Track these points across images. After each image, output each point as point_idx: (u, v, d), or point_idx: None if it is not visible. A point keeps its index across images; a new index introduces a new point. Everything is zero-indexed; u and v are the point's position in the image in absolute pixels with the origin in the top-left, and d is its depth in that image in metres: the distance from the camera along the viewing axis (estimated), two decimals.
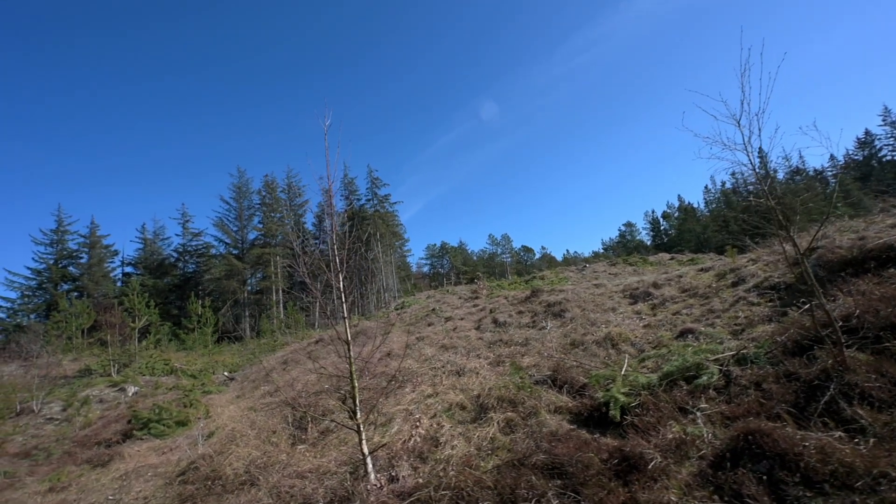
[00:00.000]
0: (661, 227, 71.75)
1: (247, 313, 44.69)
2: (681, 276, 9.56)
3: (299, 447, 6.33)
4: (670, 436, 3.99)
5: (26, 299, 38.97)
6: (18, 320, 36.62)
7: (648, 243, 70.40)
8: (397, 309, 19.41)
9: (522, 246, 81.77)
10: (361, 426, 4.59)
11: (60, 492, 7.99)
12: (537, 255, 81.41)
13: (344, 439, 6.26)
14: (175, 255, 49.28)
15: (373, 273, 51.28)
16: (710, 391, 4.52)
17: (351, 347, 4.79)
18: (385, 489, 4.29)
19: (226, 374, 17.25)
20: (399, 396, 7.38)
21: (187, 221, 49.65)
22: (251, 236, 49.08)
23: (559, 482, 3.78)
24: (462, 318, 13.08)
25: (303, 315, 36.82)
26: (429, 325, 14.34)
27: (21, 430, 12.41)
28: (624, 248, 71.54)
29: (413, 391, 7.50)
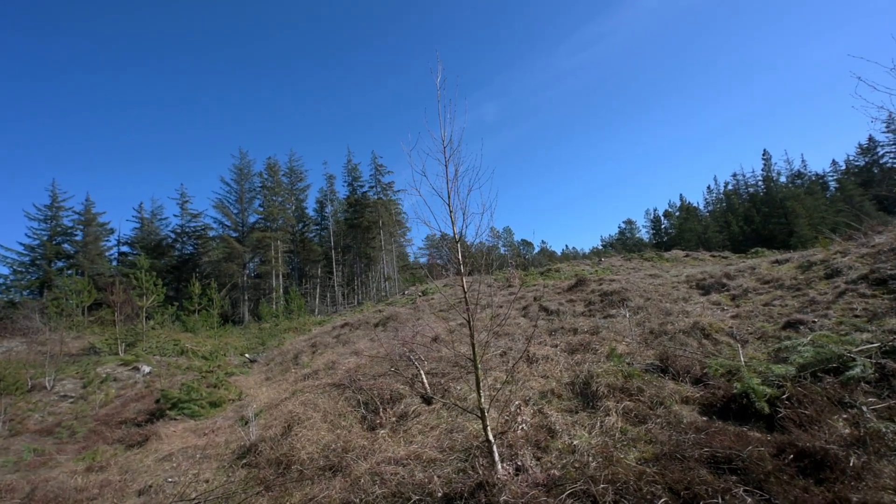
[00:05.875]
0: (662, 226, 71.98)
1: (245, 297, 43.83)
2: (753, 268, 9.26)
3: (380, 432, 5.91)
4: (846, 431, 3.66)
5: (19, 276, 37.67)
6: (11, 296, 35.47)
7: (647, 241, 70.67)
8: (422, 295, 18.99)
9: (522, 240, 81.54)
10: (486, 411, 4.19)
11: (100, 472, 7.50)
12: (536, 250, 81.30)
13: (428, 424, 5.87)
14: (173, 235, 48.11)
15: (374, 261, 50.69)
16: (863, 384, 4.20)
17: (473, 326, 4.34)
18: (519, 480, 3.90)
19: (246, 356, 16.72)
20: (470, 383, 6.99)
21: (186, 202, 48.42)
22: (252, 219, 47.93)
23: (734, 478, 3.42)
24: (501, 307, 12.69)
25: (304, 300, 36.32)
26: (465, 311, 13.94)
27: (37, 407, 11.82)
28: (623, 245, 71.73)
29: (484, 378, 7.11)
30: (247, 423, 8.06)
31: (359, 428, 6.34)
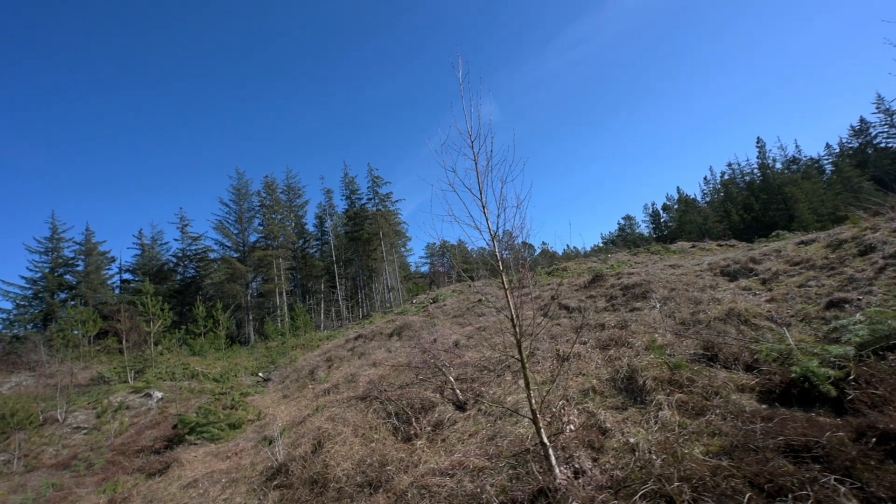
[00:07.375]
0: (662, 220, 71.92)
1: (250, 317, 43.50)
2: (779, 251, 9.09)
3: (417, 443, 5.67)
4: None
5: (22, 309, 37.34)
6: (16, 331, 35.11)
7: (647, 235, 70.52)
8: (433, 302, 18.75)
9: (523, 242, 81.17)
10: (538, 413, 3.97)
11: (123, 503, 7.23)
12: (537, 251, 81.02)
13: (466, 431, 5.63)
14: (174, 259, 47.96)
15: (376, 272, 50.43)
16: None
17: (520, 331, 4.14)
18: (580, 483, 3.68)
19: (260, 375, 16.43)
20: (504, 386, 6.77)
21: (186, 226, 48.39)
22: (252, 239, 47.78)
23: (817, 467, 3.21)
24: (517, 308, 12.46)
25: (310, 316, 35.96)
26: (479, 315, 13.74)
27: (51, 441, 11.51)
28: (624, 240, 71.47)
29: (516, 380, 6.91)
30: (271, 442, 7.80)
31: (393, 440, 6.10)
